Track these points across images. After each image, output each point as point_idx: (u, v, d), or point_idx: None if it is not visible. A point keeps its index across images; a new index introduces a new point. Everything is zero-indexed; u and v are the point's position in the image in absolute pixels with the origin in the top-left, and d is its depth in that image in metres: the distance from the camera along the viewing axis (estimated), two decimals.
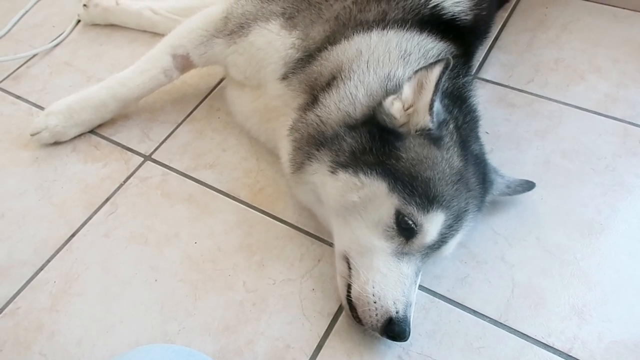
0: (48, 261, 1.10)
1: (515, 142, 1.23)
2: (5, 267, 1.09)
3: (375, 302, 0.89)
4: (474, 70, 1.36)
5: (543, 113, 1.28)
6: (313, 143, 1.01)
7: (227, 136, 1.30)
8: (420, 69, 0.91)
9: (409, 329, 0.89)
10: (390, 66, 1.02)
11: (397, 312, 0.88)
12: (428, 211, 0.89)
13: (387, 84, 1.00)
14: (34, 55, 1.53)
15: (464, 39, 1.17)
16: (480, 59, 1.41)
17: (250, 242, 1.10)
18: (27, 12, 1.67)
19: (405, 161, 0.90)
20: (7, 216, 1.17)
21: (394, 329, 0.88)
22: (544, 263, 1.04)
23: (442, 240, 0.93)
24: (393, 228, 0.91)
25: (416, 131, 0.92)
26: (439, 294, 1.01)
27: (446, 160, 0.92)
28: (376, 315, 0.89)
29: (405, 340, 0.90)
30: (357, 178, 0.92)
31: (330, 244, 1.06)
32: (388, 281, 0.90)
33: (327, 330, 0.98)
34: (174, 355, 0.87)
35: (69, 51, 1.55)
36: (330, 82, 1.04)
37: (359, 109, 0.98)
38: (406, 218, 0.89)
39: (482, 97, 1.17)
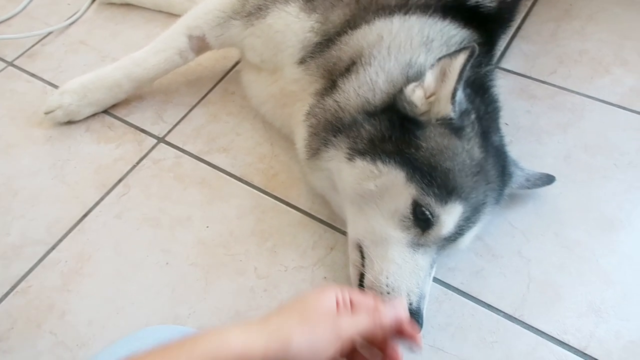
0: (60, 241, 1.09)
1: (536, 134, 1.20)
2: (18, 245, 1.09)
3: (388, 293, 0.88)
4: (495, 60, 1.32)
5: (565, 106, 1.25)
6: (330, 129, 0.99)
7: (241, 120, 1.28)
8: (444, 56, 0.88)
9: (422, 321, 0.88)
10: (412, 52, 0.99)
11: (410, 304, 0.87)
12: (446, 202, 0.87)
13: (408, 70, 0.97)
14: (49, 33, 1.52)
15: (487, 26, 1.13)
16: (502, 49, 1.37)
17: (262, 228, 1.09)
18: None
19: (425, 150, 0.88)
20: (21, 194, 1.17)
21: None
22: (562, 259, 1.02)
23: (458, 232, 0.91)
24: (409, 218, 0.89)
25: (437, 120, 0.90)
26: (453, 287, 1.00)
27: (467, 151, 0.89)
28: None
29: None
30: (375, 166, 0.90)
31: (344, 232, 1.05)
32: (402, 272, 0.88)
33: None
34: (181, 335, 0.86)
35: (84, 30, 1.53)
36: (350, 67, 1.02)
37: (378, 96, 0.96)
38: (423, 209, 0.87)
39: (503, 87, 1.14)
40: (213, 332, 0.55)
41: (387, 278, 0.88)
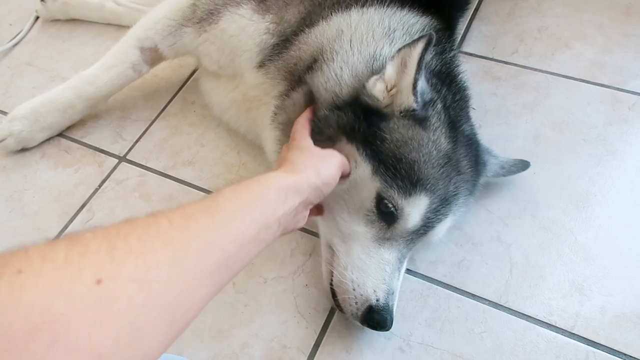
0: None
1: (504, 116, 1.20)
2: None
3: (354, 290, 0.85)
4: (457, 44, 1.31)
5: (530, 84, 1.24)
6: None
7: (204, 130, 1.24)
8: (403, 47, 0.86)
9: (391, 317, 0.85)
10: (375, 44, 0.97)
11: (377, 300, 0.85)
12: (410, 194, 0.84)
13: (372, 63, 0.94)
14: None
15: (446, 11, 1.12)
16: (462, 32, 1.36)
17: None
18: None
19: (390, 143, 0.86)
20: None
21: (374, 318, 0.84)
22: (541, 240, 1.01)
23: (428, 225, 0.88)
24: (373, 212, 0.86)
25: (400, 112, 0.87)
26: (437, 280, 0.98)
27: (433, 142, 0.87)
28: (356, 303, 0.86)
29: (387, 330, 0.86)
30: None
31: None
32: (368, 267, 0.86)
33: (323, 326, 0.94)
34: None
35: (30, 50, 1.46)
36: (312, 65, 0.99)
37: (345, 90, 0.93)
38: (386, 201, 0.84)
39: (467, 71, 1.12)
40: (265, 174, 0.68)
41: (352, 273, 0.86)
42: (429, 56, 0.94)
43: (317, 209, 0.90)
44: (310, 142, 0.84)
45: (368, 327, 0.86)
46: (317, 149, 0.82)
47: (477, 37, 1.36)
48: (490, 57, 1.31)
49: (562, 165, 1.11)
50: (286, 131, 0.99)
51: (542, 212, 1.04)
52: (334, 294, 0.90)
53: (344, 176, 0.84)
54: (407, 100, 0.85)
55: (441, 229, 0.91)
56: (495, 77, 1.27)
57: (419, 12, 1.04)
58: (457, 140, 0.91)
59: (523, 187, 1.08)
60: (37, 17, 1.53)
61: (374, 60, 0.95)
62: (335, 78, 0.95)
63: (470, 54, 1.32)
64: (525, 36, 1.34)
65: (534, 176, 1.09)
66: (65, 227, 1.10)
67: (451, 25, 1.16)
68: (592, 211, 1.04)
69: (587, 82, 1.24)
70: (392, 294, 0.87)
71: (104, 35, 1.46)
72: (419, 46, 0.82)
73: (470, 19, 1.39)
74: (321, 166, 0.76)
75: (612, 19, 1.34)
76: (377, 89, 0.87)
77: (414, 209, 0.85)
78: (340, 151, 0.85)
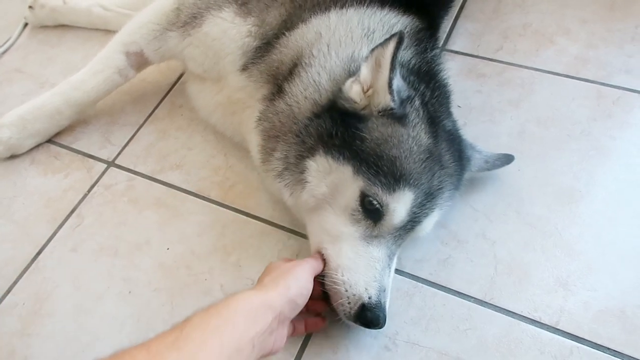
0: (15, 283, 1.05)
1: (489, 113, 1.20)
2: None
3: (347, 291, 0.86)
4: (442, 42, 1.32)
5: (515, 81, 1.25)
6: (283, 131, 0.97)
7: (192, 134, 1.24)
8: (376, 47, 0.86)
9: (384, 314, 0.85)
10: (354, 46, 0.97)
11: (369, 298, 0.85)
12: (394, 190, 0.85)
13: (350, 65, 0.95)
14: None
15: (428, 10, 1.12)
16: (447, 30, 1.36)
17: (224, 242, 1.06)
18: None
19: (370, 142, 0.86)
20: None
21: (367, 316, 0.84)
22: (526, 237, 1.02)
23: (414, 220, 0.88)
24: (359, 211, 0.87)
25: (378, 112, 0.88)
26: (422, 279, 0.99)
27: (413, 138, 0.87)
28: (349, 303, 0.86)
29: (381, 327, 0.86)
30: (326, 161, 0.89)
31: (307, 237, 1.02)
32: (358, 267, 0.86)
33: None
34: None
35: (19, 57, 1.47)
36: (292, 70, 0.99)
37: (324, 95, 0.94)
38: (370, 198, 0.85)
39: (452, 69, 1.13)
40: (233, 296, 0.69)
41: (343, 275, 0.86)
42: (402, 54, 0.95)
43: (308, 326, 0.90)
44: (279, 262, 0.85)
45: (361, 325, 0.86)
46: (285, 265, 0.83)
47: (462, 35, 1.36)
48: (475, 54, 1.31)
49: (547, 161, 1.11)
50: (268, 139, 1.00)
51: (527, 209, 1.05)
52: (326, 297, 0.90)
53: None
54: (384, 99, 0.86)
55: (428, 224, 0.91)
56: (480, 74, 1.27)
57: (399, 12, 1.05)
58: (438, 135, 0.91)
59: (508, 184, 1.08)
60: (26, 24, 1.54)
61: (351, 62, 0.95)
62: (314, 84, 0.95)
63: (456, 52, 1.33)
64: (510, 33, 1.34)
65: (519, 172, 1.09)
66: (55, 233, 1.11)
67: (434, 24, 1.16)
68: (577, 207, 1.04)
69: (572, 77, 1.24)
70: (384, 291, 0.87)
71: (93, 41, 1.47)
72: (391, 45, 0.82)
73: (455, 16, 1.39)
74: (290, 280, 0.78)
75: (595, 14, 1.34)
76: (353, 91, 0.88)
77: (399, 204, 0.86)
78: (314, 163, 0.87)
